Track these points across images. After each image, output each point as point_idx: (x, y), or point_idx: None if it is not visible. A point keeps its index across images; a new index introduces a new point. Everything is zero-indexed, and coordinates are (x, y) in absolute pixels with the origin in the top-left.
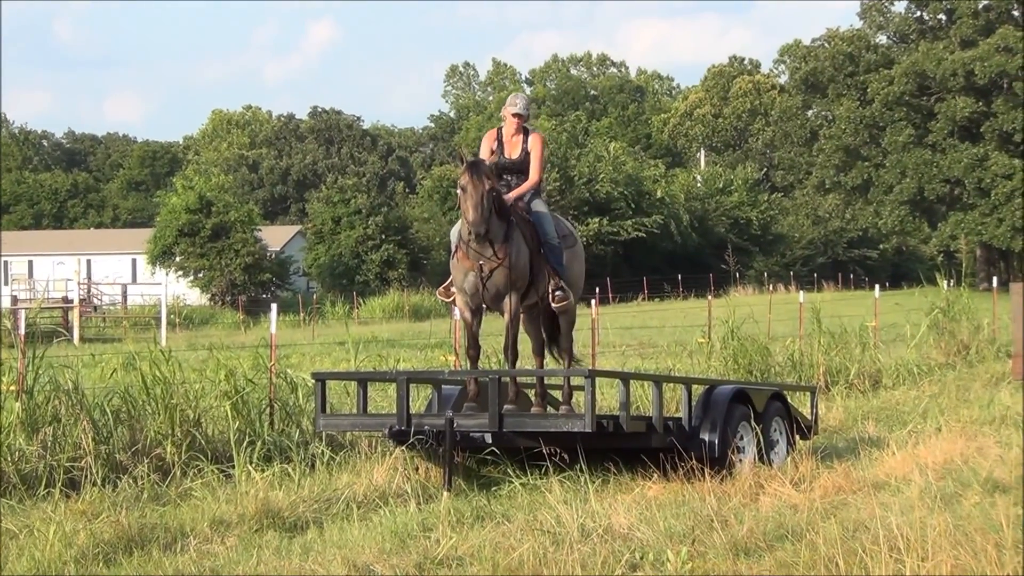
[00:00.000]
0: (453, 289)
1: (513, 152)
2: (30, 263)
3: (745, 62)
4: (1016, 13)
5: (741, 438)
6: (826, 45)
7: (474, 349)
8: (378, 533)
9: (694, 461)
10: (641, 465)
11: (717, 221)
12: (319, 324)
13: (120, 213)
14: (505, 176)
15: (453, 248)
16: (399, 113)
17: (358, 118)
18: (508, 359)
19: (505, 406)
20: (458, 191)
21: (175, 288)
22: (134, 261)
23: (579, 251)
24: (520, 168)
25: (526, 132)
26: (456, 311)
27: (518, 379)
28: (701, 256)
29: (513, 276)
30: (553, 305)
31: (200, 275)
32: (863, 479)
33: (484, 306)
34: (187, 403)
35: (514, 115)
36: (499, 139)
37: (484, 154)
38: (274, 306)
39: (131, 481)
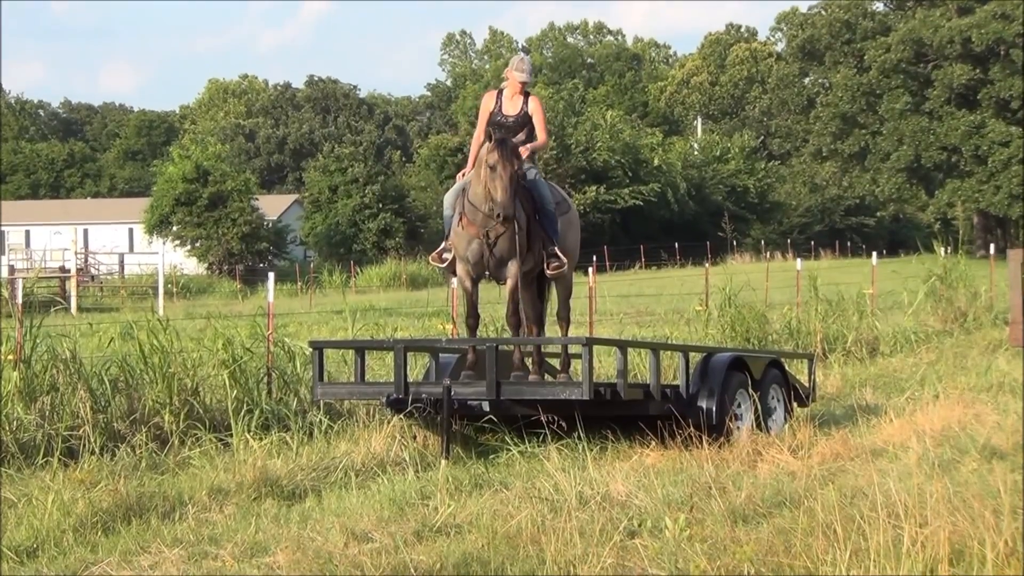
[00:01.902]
0: (447, 255)
1: (512, 110)
2: (27, 233)
3: (742, 30)
4: None
5: (739, 405)
6: (823, 12)
7: (473, 318)
8: (376, 501)
9: (692, 428)
10: (639, 433)
11: (714, 189)
12: (316, 293)
13: (117, 183)
14: (499, 133)
15: (454, 215)
16: (396, 82)
17: (355, 87)
18: (511, 326)
19: (513, 374)
20: (485, 169)
21: (172, 257)
22: (131, 231)
23: (573, 218)
24: (518, 126)
25: (526, 94)
26: (453, 280)
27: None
28: (698, 224)
29: (518, 243)
30: (548, 272)
31: (197, 244)
32: (861, 446)
33: (486, 274)
34: (185, 372)
35: (521, 83)
36: (499, 99)
37: (485, 112)
38: (271, 275)
39: (129, 450)
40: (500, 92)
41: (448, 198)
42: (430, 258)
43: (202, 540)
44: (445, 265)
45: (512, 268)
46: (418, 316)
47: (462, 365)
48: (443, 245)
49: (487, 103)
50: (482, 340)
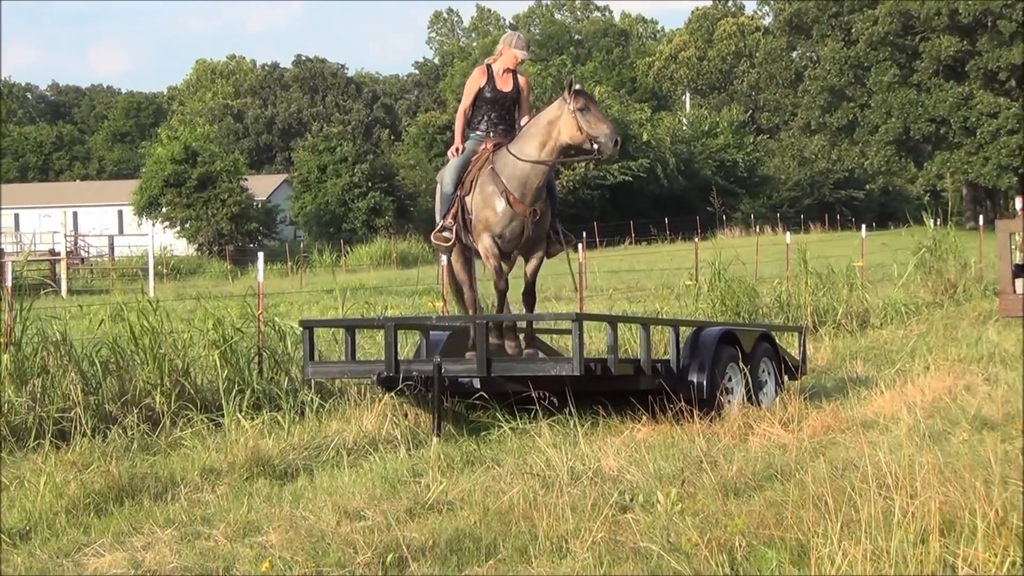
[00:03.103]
0: (449, 234)
1: (505, 86)
2: (16, 216)
3: (729, 4)
4: None
5: (729, 379)
6: None
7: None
8: (368, 479)
9: (683, 403)
10: (630, 408)
11: (703, 164)
12: (306, 273)
13: (106, 165)
14: (491, 110)
15: (475, 193)
16: (384, 60)
17: (342, 66)
18: (528, 304)
19: (525, 351)
20: (573, 115)
21: (162, 239)
22: (120, 212)
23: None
24: (511, 103)
25: (514, 72)
26: (443, 257)
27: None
28: (687, 199)
29: (550, 219)
30: (549, 255)
31: (187, 225)
32: (852, 418)
33: (514, 252)
34: (176, 353)
35: (520, 61)
36: (489, 74)
37: (474, 87)
38: (261, 255)
39: (121, 431)
40: (489, 68)
41: (448, 175)
42: (433, 238)
43: (194, 520)
44: (449, 244)
45: (541, 246)
46: (408, 294)
47: (460, 342)
48: (444, 223)
49: (478, 78)
50: (472, 317)
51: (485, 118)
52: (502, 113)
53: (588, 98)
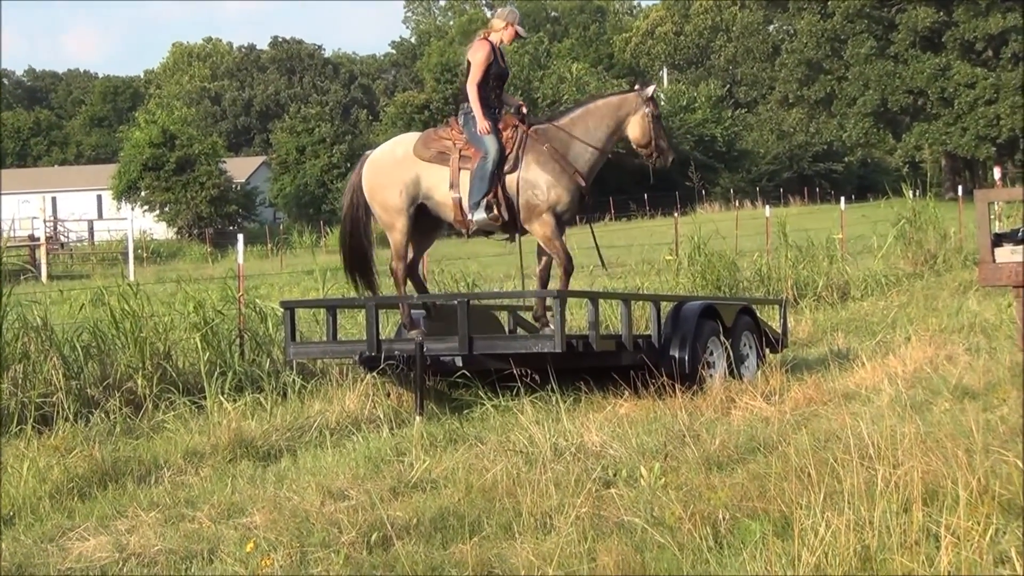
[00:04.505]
0: (496, 212)
1: (502, 63)
2: None
3: None
4: None
5: (711, 353)
6: None
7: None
8: (352, 459)
9: (665, 378)
10: (612, 384)
11: (682, 139)
12: (287, 254)
13: (84, 149)
14: (496, 87)
15: (562, 174)
16: (360, 41)
17: (319, 47)
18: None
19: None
20: (651, 117)
21: (141, 223)
22: (99, 197)
23: None
24: (504, 79)
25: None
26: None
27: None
28: (667, 174)
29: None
30: None
31: (166, 209)
32: (833, 390)
33: None
34: (157, 336)
35: (518, 38)
36: (496, 50)
37: (483, 63)
38: (240, 237)
39: (103, 415)
40: (492, 43)
41: (493, 151)
42: (476, 218)
43: (178, 503)
44: (499, 223)
45: None
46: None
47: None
48: (489, 200)
49: (488, 54)
50: (454, 295)
51: (492, 95)
52: (498, 91)
53: (658, 108)
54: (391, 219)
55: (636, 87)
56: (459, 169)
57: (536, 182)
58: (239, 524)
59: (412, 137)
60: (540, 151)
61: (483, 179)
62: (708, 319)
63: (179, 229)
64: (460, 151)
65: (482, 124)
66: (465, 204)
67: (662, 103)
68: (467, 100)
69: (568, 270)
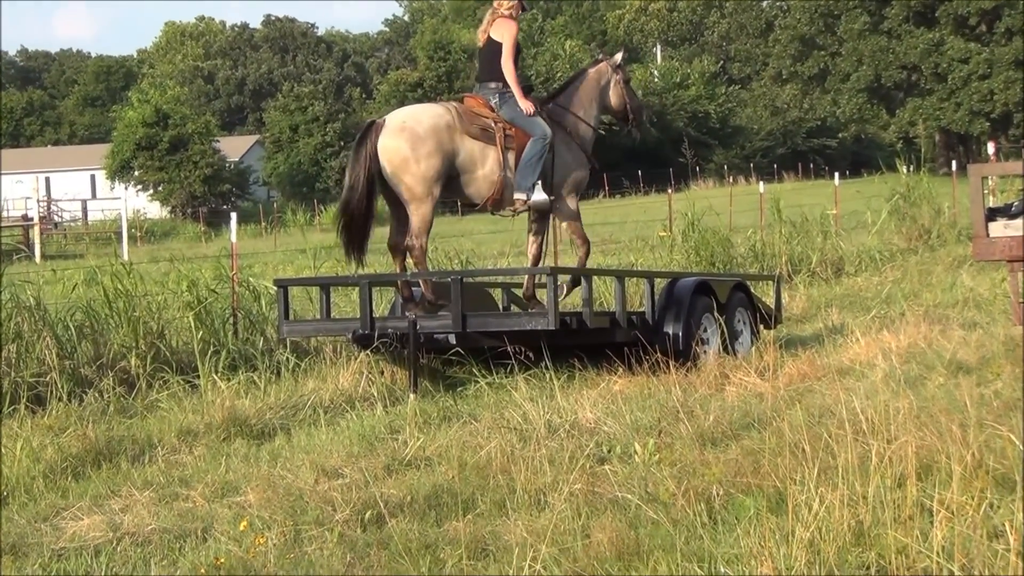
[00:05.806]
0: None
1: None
2: None
3: None
4: None
5: (705, 330)
6: None
7: None
8: (346, 437)
9: (659, 354)
10: (606, 360)
11: (675, 115)
12: (280, 233)
13: (77, 129)
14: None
15: (566, 153)
16: (353, 19)
17: (312, 25)
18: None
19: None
20: (623, 83)
21: (135, 202)
22: (93, 177)
23: None
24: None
25: None
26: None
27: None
28: (660, 151)
29: None
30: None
31: (160, 188)
32: (828, 366)
33: None
34: (150, 315)
35: (524, 11)
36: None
37: (515, 41)
38: (234, 215)
39: (97, 395)
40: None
41: (550, 134)
42: (536, 199)
43: (172, 482)
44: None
45: None
46: (383, 252)
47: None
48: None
49: (517, 31)
50: (447, 272)
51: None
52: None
53: (627, 74)
54: (426, 190)
55: (601, 56)
56: (505, 148)
57: (569, 164)
58: (233, 502)
59: (435, 108)
60: (562, 133)
61: (540, 160)
62: (702, 295)
63: (173, 208)
64: (504, 130)
65: (526, 105)
66: (515, 184)
67: (656, 80)
68: (492, 80)
69: (588, 252)
